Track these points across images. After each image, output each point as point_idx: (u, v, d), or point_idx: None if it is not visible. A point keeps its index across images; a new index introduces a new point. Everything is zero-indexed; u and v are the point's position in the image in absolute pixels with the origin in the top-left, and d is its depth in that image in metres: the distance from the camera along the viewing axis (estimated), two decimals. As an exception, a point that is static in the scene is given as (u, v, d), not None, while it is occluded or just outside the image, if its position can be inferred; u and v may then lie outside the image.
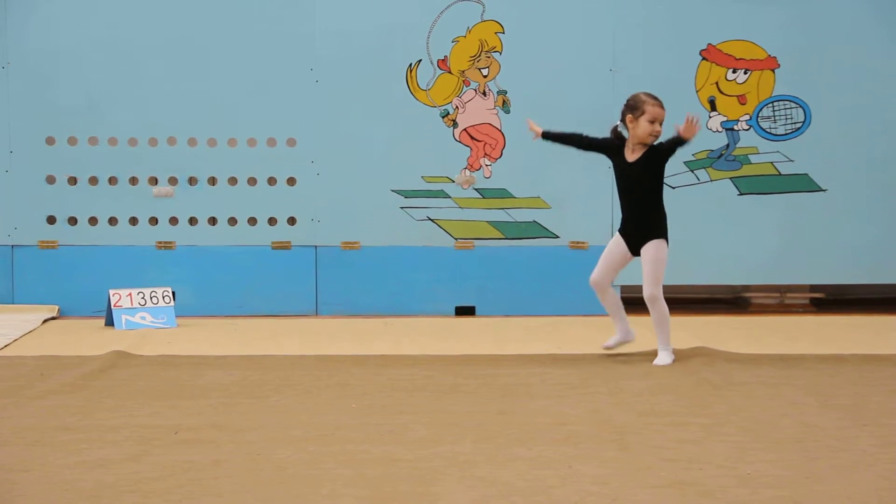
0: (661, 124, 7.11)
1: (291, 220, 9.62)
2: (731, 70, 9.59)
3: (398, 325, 9.08)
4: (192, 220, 9.62)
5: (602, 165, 9.56)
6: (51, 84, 9.46)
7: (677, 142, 7.11)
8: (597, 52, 9.57)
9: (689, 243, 9.53)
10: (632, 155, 7.25)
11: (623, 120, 7.24)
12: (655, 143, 7.19)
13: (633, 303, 9.74)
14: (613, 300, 7.43)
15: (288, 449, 5.10)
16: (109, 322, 8.86)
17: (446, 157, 9.60)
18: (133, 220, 9.60)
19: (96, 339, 8.27)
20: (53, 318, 9.28)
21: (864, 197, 9.65)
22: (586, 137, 7.48)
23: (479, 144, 9.59)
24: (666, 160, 7.23)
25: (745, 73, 9.59)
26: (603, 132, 9.51)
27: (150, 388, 6.50)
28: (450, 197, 9.61)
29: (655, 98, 7.16)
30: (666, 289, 9.49)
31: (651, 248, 7.17)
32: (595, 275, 7.32)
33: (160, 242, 9.59)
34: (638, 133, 7.15)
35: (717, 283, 9.97)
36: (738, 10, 9.58)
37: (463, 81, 9.57)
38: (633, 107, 7.16)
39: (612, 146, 7.34)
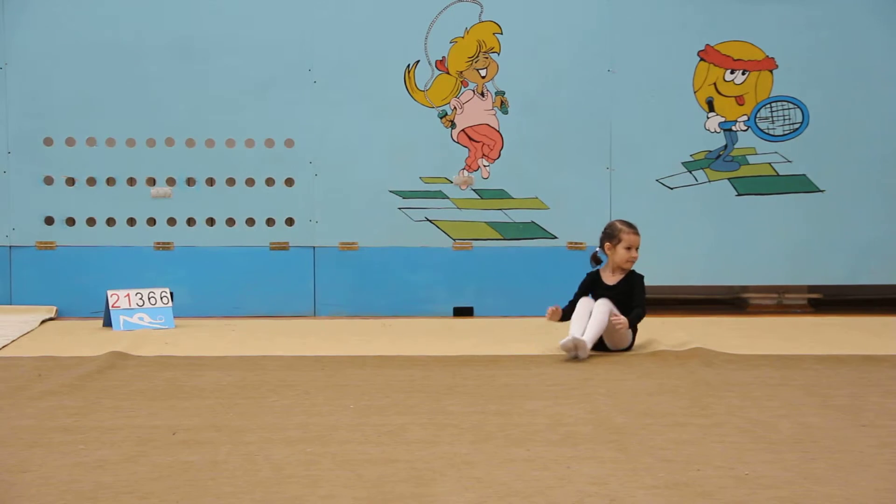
0: (636, 249, 7.64)
1: (289, 221, 9.61)
2: (729, 71, 9.59)
3: (396, 325, 9.07)
4: (190, 221, 9.61)
5: (600, 167, 9.59)
6: (48, 85, 9.46)
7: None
8: (595, 52, 9.57)
9: (686, 244, 9.54)
10: (612, 278, 7.70)
11: (601, 247, 7.71)
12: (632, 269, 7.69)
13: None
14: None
15: (286, 450, 5.11)
16: (107, 323, 8.85)
17: (444, 158, 9.60)
18: (131, 221, 9.60)
19: (94, 339, 8.27)
20: (51, 319, 9.27)
21: (863, 198, 9.65)
22: (578, 294, 7.81)
23: (477, 145, 9.59)
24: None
25: (743, 73, 9.59)
26: (600, 133, 9.55)
27: (148, 388, 6.49)
28: (448, 198, 9.61)
29: (631, 225, 7.66)
30: (664, 289, 9.57)
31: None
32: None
33: (158, 243, 9.59)
34: (616, 259, 7.64)
35: (714, 284, 9.96)
36: (736, 11, 9.58)
37: (461, 82, 9.57)
38: (610, 235, 7.65)
39: (592, 281, 7.74)
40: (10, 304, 9.46)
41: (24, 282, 9.53)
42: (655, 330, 8.53)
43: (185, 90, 9.50)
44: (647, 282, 9.64)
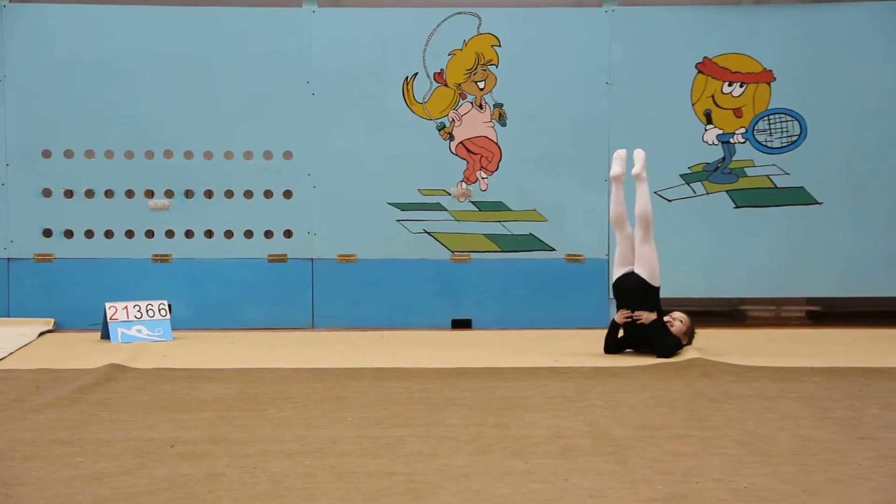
0: (675, 319, 8.22)
1: (288, 233, 9.61)
2: (726, 83, 9.60)
3: (394, 337, 9.07)
4: (189, 233, 9.61)
5: (598, 179, 9.59)
6: (47, 97, 9.46)
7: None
8: (593, 65, 9.57)
9: (685, 256, 9.53)
10: None
11: None
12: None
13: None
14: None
15: (284, 462, 5.10)
16: (105, 335, 8.84)
17: (443, 170, 9.60)
18: (129, 233, 9.59)
19: (92, 352, 8.26)
20: (49, 332, 9.26)
21: (860, 210, 9.64)
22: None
23: (475, 157, 9.60)
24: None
25: (741, 86, 9.60)
26: (598, 145, 9.56)
27: (145, 401, 6.49)
28: (446, 210, 9.61)
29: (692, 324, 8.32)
30: (663, 302, 9.51)
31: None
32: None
33: (156, 255, 9.59)
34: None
35: (713, 296, 9.96)
36: (734, 24, 9.59)
37: (459, 94, 9.57)
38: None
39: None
40: (8, 317, 9.45)
41: (22, 294, 9.51)
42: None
43: (183, 102, 9.50)
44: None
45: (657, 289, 8.02)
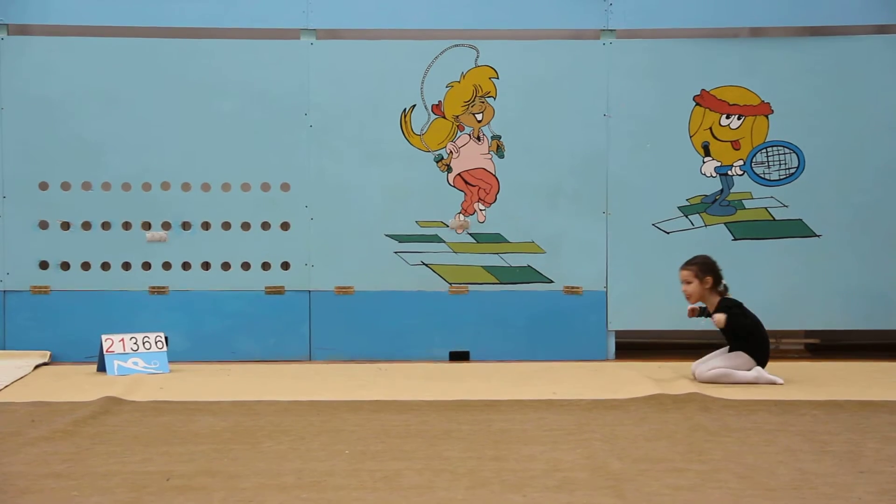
0: (684, 284, 8.43)
1: (285, 265, 9.59)
2: (724, 115, 9.61)
3: (392, 370, 9.04)
4: (186, 265, 9.59)
5: (596, 211, 9.59)
6: (44, 129, 9.46)
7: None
8: (591, 97, 9.58)
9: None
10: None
11: None
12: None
13: (627, 347, 9.73)
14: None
15: (280, 496, 5.07)
16: (101, 368, 8.81)
17: (440, 202, 9.59)
18: (126, 265, 9.57)
19: (88, 384, 8.23)
20: (45, 364, 9.23)
21: (859, 242, 9.63)
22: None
23: (473, 189, 9.59)
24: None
25: (739, 118, 9.61)
26: (597, 178, 9.57)
27: (142, 434, 6.46)
28: (444, 242, 9.60)
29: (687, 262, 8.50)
30: (660, 333, 9.53)
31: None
32: None
33: (153, 287, 9.57)
34: None
35: (711, 329, 9.92)
36: (732, 57, 9.60)
37: (457, 126, 9.58)
38: None
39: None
40: (4, 349, 9.42)
41: (18, 326, 9.49)
42: (652, 374, 8.51)
43: (180, 134, 9.50)
44: (646, 325, 9.66)
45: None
